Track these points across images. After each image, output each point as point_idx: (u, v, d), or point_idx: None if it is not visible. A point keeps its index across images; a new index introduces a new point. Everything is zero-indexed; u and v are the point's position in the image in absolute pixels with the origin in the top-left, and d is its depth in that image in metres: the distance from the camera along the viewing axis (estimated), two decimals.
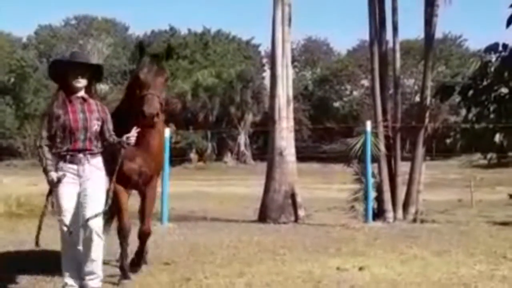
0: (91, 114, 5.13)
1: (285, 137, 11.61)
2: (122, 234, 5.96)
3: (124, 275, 5.91)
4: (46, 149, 5.06)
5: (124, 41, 66.84)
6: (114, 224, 6.32)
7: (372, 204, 10.98)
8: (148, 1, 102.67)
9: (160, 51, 6.06)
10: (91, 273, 5.04)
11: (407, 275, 6.12)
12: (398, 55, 12.44)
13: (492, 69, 12.38)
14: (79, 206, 5.03)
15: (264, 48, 61.29)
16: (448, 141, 13.80)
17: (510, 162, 15.14)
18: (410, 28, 62.27)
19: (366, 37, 12.99)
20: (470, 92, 12.46)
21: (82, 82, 5.15)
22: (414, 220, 11.40)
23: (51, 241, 6.34)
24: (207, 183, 29.73)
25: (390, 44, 12.55)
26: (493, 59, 12.51)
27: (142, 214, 6.21)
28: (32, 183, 18.69)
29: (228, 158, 54.09)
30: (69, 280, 5.13)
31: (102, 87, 50.26)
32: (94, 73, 5.29)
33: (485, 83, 12.43)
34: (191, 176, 33.08)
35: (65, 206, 5.04)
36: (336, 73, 61.50)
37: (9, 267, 6.52)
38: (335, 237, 8.93)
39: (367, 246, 7.95)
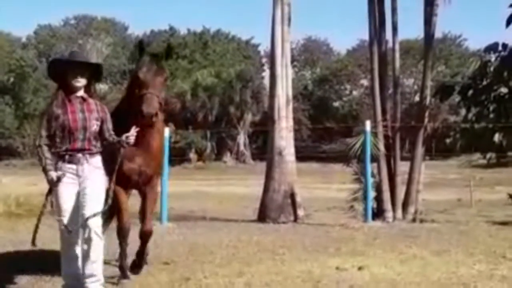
0: (91, 114, 5.11)
1: (285, 137, 11.60)
2: (122, 234, 5.94)
3: (124, 275, 5.90)
4: (45, 148, 5.04)
5: (124, 40, 66.83)
6: (114, 224, 6.31)
7: (371, 203, 10.97)
8: (148, 1, 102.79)
9: (160, 51, 6.04)
10: (92, 275, 4.98)
11: (406, 275, 6.12)
12: (397, 54, 12.44)
13: (492, 68, 12.38)
14: (78, 206, 5.02)
15: (264, 47, 61.39)
16: (447, 140, 13.81)
17: (510, 161, 15.16)
18: (410, 27, 62.39)
19: (366, 37, 13.02)
20: (470, 92, 12.46)
21: (81, 82, 5.13)
22: (414, 220, 11.40)
23: (50, 241, 6.34)
24: (206, 182, 29.74)
25: (390, 44, 12.56)
26: (493, 59, 12.51)
27: (143, 214, 6.16)
28: (32, 183, 18.66)
29: (228, 157, 54.10)
30: (69, 281, 5.13)
31: (102, 86, 50.20)
32: (94, 72, 5.27)
33: (484, 82, 12.43)
34: (190, 176, 33.08)
35: (64, 206, 5.03)
36: (335, 73, 61.51)
37: (8, 267, 6.51)
38: (335, 237, 8.93)
39: (366, 246, 7.94)
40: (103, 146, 5.20)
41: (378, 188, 11.53)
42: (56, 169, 5.01)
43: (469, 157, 29.93)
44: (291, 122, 11.87)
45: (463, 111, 14.04)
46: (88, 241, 4.94)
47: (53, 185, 5.01)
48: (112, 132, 5.20)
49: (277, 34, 11.71)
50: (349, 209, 12.07)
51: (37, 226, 5.15)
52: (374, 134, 11.38)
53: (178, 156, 39.40)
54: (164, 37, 56.72)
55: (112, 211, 6.01)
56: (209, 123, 53.60)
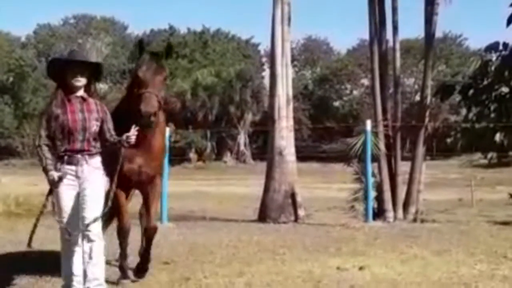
0: (90, 114, 5.06)
1: (285, 137, 11.58)
2: (122, 234, 5.92)
3: (124, 275, 5.88)
4: (45, 148, 5.00)
5: (123, 40, 66.81)
6: (114, 224, 6.29)
7: (372, 203, 10.96)
8: (147, 0, 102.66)
9: (160, 50, 6.00)
10: (94, 279, 4.93)
11: (407, 275, 6.11)
12: (398, 54, 12.42)
13: (493, 68, 12.39)
14: (78, 207, 4.98)
15: (264, 47, 61.35)
16: (448, 140, 13.80)
17: (511, 161, 15.12)
18: (410, 27, 62.75)
19: (366, 36, 13.01)
20: (471, 91, 12.45)
21: (81, 81, 5.08)
22: (414, 220, 11.39)
23: (50, 241, 6.32)
24: (206, 182, 29.73)
25: (390, 43, 12.54)
26: (494, 58, 12.51)
27: (147, 211, 6.04)
28: (32, 183, 18.66)
29: (228, 157, 54.09)
30: (69, 281, 5.10)
31: (101, 86, 50.16)
32: (94, 72, 5.23)
33: (485, 82, 12.42)
34: (190, 176, 33.08)
35: (64, 208, 5.00)
36: (336, 72, 61.48)
37: (8, 267, 6.50)
38: (335, 237, 8.92)
39: (367, 246, 7.93)
40: (104, 147, 5.14)
41: (379, 188, 11.52)
42: (56, 170, 4.97)
43: (470, 157, 29.91)
44: (291, 122, 11.85)
45: (464, 111, 14.03)
46: (89, 243, 4.90)
47: (54, 185, 4.98)
48: (113, 132, 5.15)
49: (277, 34, 11.69)
50: (349, 209, 12.06)
51: (34, 227, 5.12)
52: (375, 133, 11.36)
53: (178, 156, 39.41)
54: (164, 37, 56.67)
55: (113, 212, 5.97)
56: (209, 122, 53.59)
